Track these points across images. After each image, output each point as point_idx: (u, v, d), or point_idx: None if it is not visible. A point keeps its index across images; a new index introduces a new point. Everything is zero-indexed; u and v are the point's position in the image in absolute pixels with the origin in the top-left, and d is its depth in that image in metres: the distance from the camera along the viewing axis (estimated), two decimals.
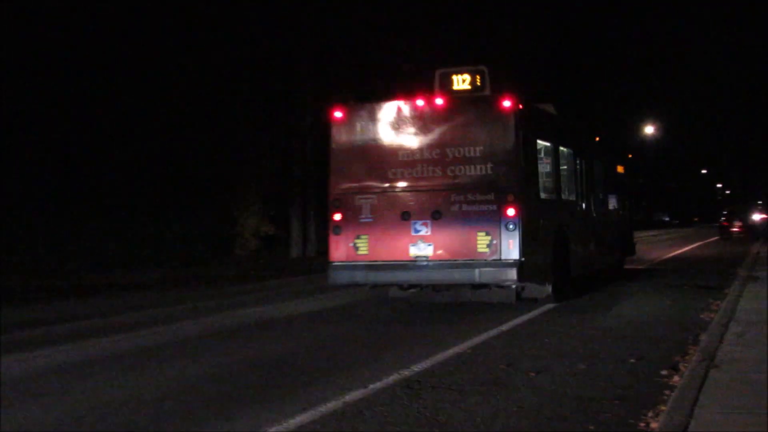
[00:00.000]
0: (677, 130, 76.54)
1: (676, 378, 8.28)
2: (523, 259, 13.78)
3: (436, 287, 15.53)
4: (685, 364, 8.88)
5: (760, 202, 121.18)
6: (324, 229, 17.99)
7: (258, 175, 34.17)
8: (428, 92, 15.18)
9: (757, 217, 56.56)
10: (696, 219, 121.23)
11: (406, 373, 9.03)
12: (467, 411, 7.36)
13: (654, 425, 6.63)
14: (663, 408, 7.05)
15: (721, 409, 6.74)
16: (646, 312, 14.08)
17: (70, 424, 7.37)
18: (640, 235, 32.59)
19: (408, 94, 15.29)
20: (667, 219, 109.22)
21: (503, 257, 13.80)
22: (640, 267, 25.33)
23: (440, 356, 9.97)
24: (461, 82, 15.23)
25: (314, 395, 8.08)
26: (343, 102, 15.74)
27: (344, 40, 34.52)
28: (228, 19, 32.64)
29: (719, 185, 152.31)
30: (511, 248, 13.78)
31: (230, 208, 34.73)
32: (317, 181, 35.57)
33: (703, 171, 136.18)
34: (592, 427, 6.75)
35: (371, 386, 8.40)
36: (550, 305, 14.97)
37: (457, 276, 14.27)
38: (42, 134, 29.30)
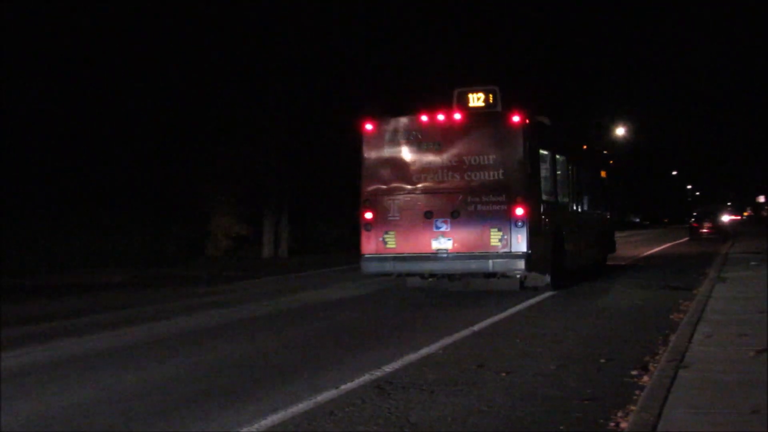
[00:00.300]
0: (648, 132, 77.07)
1: (645, 378, 8.34)
2: (529, 251, 16.16)
3: (452, 277, 17.58)
4: (655, 365, 8.94)
5: (729, 204, 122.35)
6: (302, 229, 19.75)
7: (230, 174, 34.03)
8: (447, 108, 17.51)
9: (726, 218, 57.02)
10: (666, 220, 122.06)
11: (377, 373, 9.03)
12: (438, 411, 7.38)
13: (624, 425, 6.67)
14: (632, 408, 7.09)
15: (690, 409, 6.79)
16: (625, 304, 14.28)
17: (41, 426, 7.32)
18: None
19: (429, 109, 17.52)
20: (637, 220, 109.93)
21: (513, 250, 16.17)
22: (620, 264, 27.02)
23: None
24: (476, 99, 17.74)
25: (285, 396, 8.06)
26: (373, 116, 17.92)
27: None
28: (226, 21, 32.76)
29: (689, 186, 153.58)
30: (519, 242, 16.18)
31: (202, 207, 34.56)
32: (293, 180, 35.60)
33: (674, 172, 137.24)
34: (562, 427, 6.78)
35: (342, 386, 8.39)
36: (549, 293, 17.20)
37: (474, 266, 16.64)
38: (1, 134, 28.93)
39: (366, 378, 8.81)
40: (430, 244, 16.68)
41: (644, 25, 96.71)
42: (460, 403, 7.64)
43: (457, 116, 17.01)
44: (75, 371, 9.75)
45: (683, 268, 23.85)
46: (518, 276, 17.06)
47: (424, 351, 10.37)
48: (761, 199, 72.09)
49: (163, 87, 31.69)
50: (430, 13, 41.39)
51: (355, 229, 19.58)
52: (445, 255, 16.57)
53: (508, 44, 46.40)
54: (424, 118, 17.21)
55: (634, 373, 8.67)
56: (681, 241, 49.08)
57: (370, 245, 17.12)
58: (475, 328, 12.40)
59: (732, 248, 33.68)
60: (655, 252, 36.19)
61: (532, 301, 16.04)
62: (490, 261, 16.32)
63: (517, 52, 48.15)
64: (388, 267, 17.17)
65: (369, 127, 17.55)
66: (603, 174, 25.82)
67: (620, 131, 69.18)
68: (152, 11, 31.58)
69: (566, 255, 18.89)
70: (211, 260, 32.83)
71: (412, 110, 18.01)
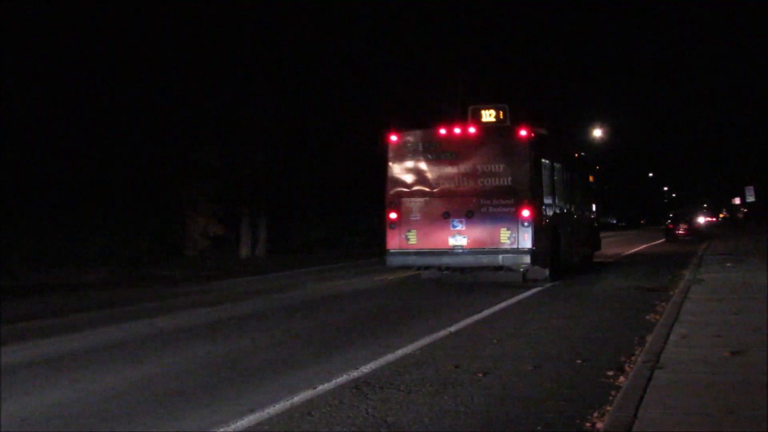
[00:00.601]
0: (624, 133, 77.47)
1: (621, 379, 8.38)
2: (534, 248, 18.69)
3: (464, 270, 19.97)
4: (631, 365, 8.98)
5: (705, 206, 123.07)
6: (283, 230, 20.58)
7: (207, 173, 33.90)
8: (462, 122, 20.22)
9: (702, 219, 57.49)
10: (643, 222, 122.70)
11: (355, 374, 9.03)
12: (415, 411, 7.38)
13: (599, 425, 6.70)
14: (608, 408, 7.12)
15: (665, 409, 6.83)
16: (603, 304, 14.29)
17: (16, 427, 7.27)
18: None
19: (447, 123, 20.08)
20: (614, 221, 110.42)
21: (520, 246, 18.69)
22: (604, 261, 28.77)
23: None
24: (488, 115, 20.37)
25: (262, 396, 8.04)
26: (397, 128, 20.38)
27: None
28: (214, 16, 32.79)
29: (666, 188, 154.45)
30: (525, 240, 18.71)
31: (178, 207, 34.39)
32: (271, 181, 35.51)
33: (650, 174, 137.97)
34: (539, 428, 6.81)
35: (319, 387, 8.38)
36: (549, 284, 19.50)
37: (485, 260, 19.10)
38: None
39: (344, 378, 8.80)
40: (447, 241, 19.19)
41: (618, 27, 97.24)
42: (436, 404, 7.65)
43: (472, 130, 19.59)
44: (51, 371, 9.69)
45: (659, 269, 24.00)
46: (522, 269, 19.34)
47: (401, 352, 10.37)
48: (737, 201, 72.59)
49: (141, 85, 31.48)
50: (429, 18, 42.91)
51: (334, 231, 20.71)
52: (460, 250, 19.07)
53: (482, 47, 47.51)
54: (442, 131, 19.77)
55: (610, 373, 8.71)
56: (658, 242, 49.40)
57: (394, 242, 19.61)
58: (452, 329, 12.41)
59: (707, 249, 33.92)
60: (635, 251, 36.71)
61: (512, 300, 16.33)
62: (500, 256, 18.83)
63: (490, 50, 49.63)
64: (410, 261, 19.72)
65: (394, 138, 20.09)
66: (591, 179, 28.37)
67: (597, 133, 69.41)
68: (134, 6, 31.41)
69: (562, 251, 21.43)
70: (189, 260, 32.67)
71: (431, 124, 20.51)
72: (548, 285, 19.26)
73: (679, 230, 51.93)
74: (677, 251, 35.66)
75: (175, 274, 25.83)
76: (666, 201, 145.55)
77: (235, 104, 34.32)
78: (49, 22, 29.55)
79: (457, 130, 19.60)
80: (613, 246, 40.01)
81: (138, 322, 14.27)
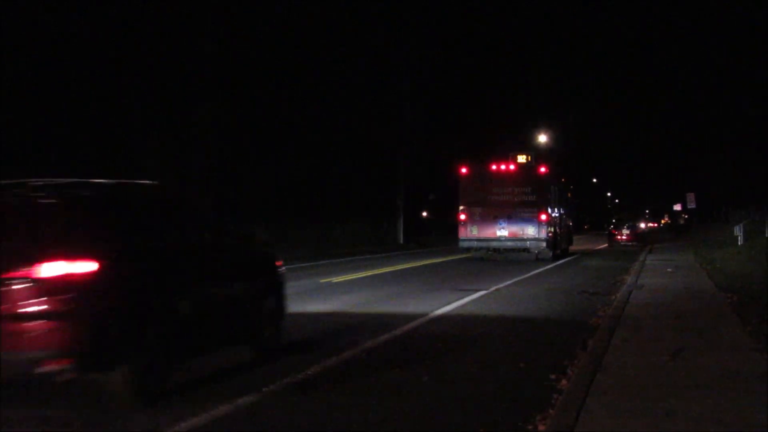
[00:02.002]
0: (567, 138, 78.16)
1: (564, 382, 8.45)
2: (547, 238, 31.78)
3: (501, 252, 32.49)
4: (573, 369, 9.07)
5: (647, 212, 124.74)
6: None
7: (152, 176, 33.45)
8: (507, 160, 32.69)
9: (643, 225, 58.34)
10: (586, 227, 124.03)
11: (299, 376, 8.99)
12: (360, 414, 7.39)
13: (542, 428, 6.75)
14: (551, 411, 7.18)
15: (607, 411, 6.92)
16: (548, 309, 14.44)
17: None
18: None
19: (496, 161, 32.50)
20: None
21: (539, 237, 31.58)
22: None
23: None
24: (523, 158, 33.26)
25: (206, 398, 7.96)
26: (467, 162, 32.95)
27: None
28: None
29: (609, 194, 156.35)
30: (543, 234, 31.65)
31: None
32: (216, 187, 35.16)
33: (594, 180, 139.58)
34: (482, 430, 6.84)
35: (264, 389, 8.33)
36: (552, 263, 30.43)
37: (519, 245, 31.88)
38: None
39: (288, 380, 8.76)
40: (495, 233, 31.85)
41: (561, 30, 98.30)
42: (380, 406, 7.66)
43: (512, 166, 32.42)
44: None
45: (602, 275, 24.24)
46: (536, 252, 32.06)
47: (347, 354, 10.37)
48: (678, 207, 73.80)
49: (91, 82, 30.98)
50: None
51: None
52: (503, 239, 31.85)
53: None
54: (493, 166, 32.29)
55: (552, 377, 8.78)
56: (601, 247, 50.06)
57: (463, 233, 32.13)
58: (397, 332, 12.44)
59: (649, 255, 34.42)
60: (588, 248, 37.13)
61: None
62: (527, 242, 31.74)
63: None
64: (474, 245, 32.39)
65: (464, 170, 32.56)
66: (569, 195, 41.11)
67: (542, 138, 69.98)
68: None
69: (558, 243, 34.34)
70: None
71: (488, 160, 32.64)
72: (552, 265, 29.74)
73: (621, 236, 52.69)
74: (620, 257, 36.15)
75: None
76: (609, 207, 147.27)
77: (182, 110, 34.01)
78: None
79: (503, 167, 32.23)
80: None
81: None
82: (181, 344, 8.51)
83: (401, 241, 53.36)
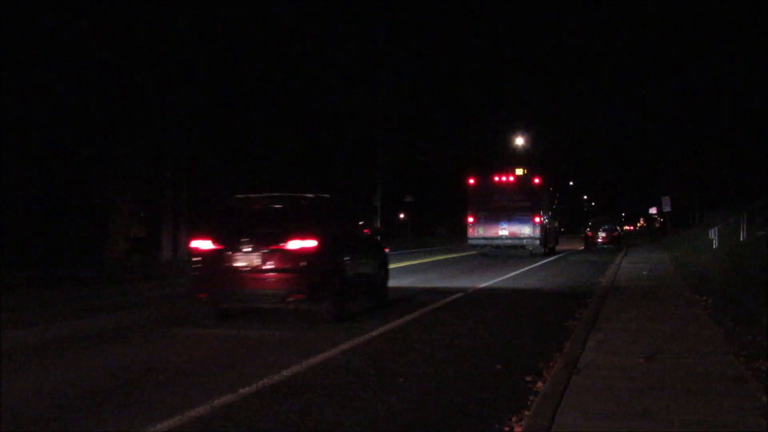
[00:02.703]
0: (543, 141, 78.35)
1: (540, 384, 8.49)
2: (540, 237, 37.73)
3: (501, 248, 38.31)
4: (549, 371, 9.11)
5: (624, 214, 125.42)
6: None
7: (129, 174, 33.24)
8: (507, 172, 39.17)
9: (619, 228, 58.72)
10: (562, 229, 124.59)
11: (275, 377, 8.99)
12: (336, 416, 7.39)
13: (518, 429, 6.79)
14: (527, 413, 7.21)
15: (582, 413, 6.96)
16: (526, 310, 14.53)
17: None
18: None
19: (498, 173, 39.13)
20: None
21: (534, 236, 37.64)
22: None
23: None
24: (521, 170, 39.63)
25: (182, 399, 7.94)
26: (474, 173, 39.67)
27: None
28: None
29: (585, 197, 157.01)
30: (537, 233, 37.67)
31: (102, 206, 33.55)
32: (190, 183, 35.02)
33: (570, 183, 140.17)
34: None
35: (240, 390, 8.32)
36: (546, 259, 35.46)
37: (517, 242, 37.83)
38: None
39: (264, 382, 8.76)
40: (498, 233, 38.15)
41: (538, 32, 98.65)
42: (357, 408, 7.66)
43: (511, 177, 38.68)
44: None
45: (579, 278, 24.35)
46: (531, 249, 37.78)
47: (321, 356, 10.38)
48: (653, 210, 74.19)
49: (65, 80, 30.64)
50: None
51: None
52: (504, 237, 38.04)
53: None
54: (496, 177, 38.68)
55: (528, 379, 8.82)
56: (578, 248, 50.36)
57: (471, 233, 38.71)
58: (374, 333, 12.47)
59: (624, 258, 34.62)
60: (576, 249, 37.92)
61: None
62: (525, 240, 37.72)
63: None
64: (480, 242, 38.63)
65: (471, 181, 39.22)
66: (556, 201, 49.52)
67: (519, 141, 70.30)
68: None
69: (549, 241, 41.01)
70: (110, 261, 31.96)
71: (492, 172, 39.29)
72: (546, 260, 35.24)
73: (597, 238, 52.95)
74: (596, 259, 36.40)
75: (96, 275, 25.28)
76: (585, 209, 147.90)
77: (157, 102, 33.77)
78: None
79: (503, 178, 38.58)
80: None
81: (52, 324, 13.95)
82: (346, 292, 14.18)
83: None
